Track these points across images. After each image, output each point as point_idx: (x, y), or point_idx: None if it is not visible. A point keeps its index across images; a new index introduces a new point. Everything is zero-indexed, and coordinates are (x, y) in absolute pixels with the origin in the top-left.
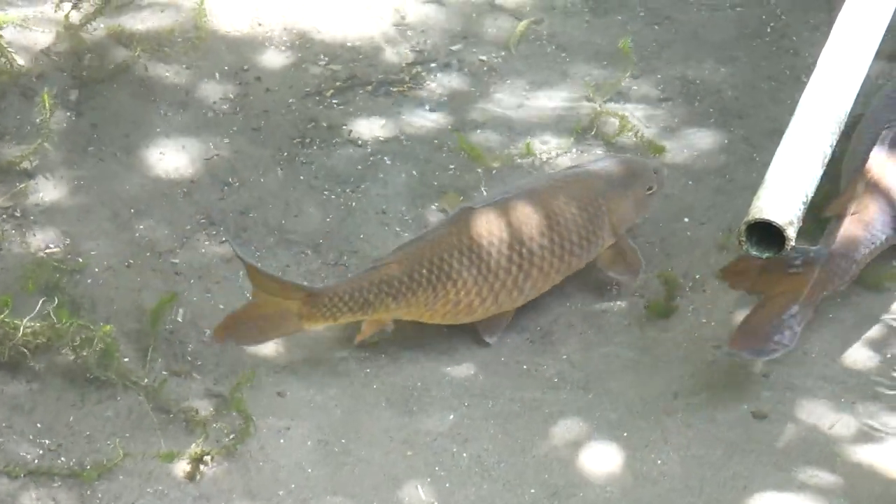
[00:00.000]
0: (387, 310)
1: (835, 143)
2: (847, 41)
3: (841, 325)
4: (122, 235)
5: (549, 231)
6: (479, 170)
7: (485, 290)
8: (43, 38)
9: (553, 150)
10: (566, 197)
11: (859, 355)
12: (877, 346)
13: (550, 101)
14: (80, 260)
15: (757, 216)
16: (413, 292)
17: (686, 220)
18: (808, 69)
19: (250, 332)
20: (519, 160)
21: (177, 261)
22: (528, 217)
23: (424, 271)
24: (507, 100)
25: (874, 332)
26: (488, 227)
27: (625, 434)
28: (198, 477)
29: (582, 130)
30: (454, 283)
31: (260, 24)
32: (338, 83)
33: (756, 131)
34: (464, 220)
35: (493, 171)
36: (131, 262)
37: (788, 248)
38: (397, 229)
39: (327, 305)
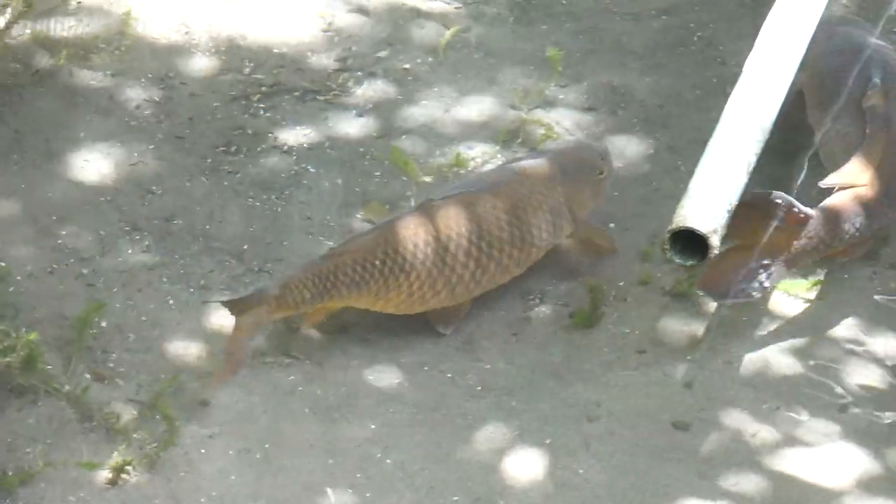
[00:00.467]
0: (340, 298)
1: (759, 152)
2: (772, 50)
3: (764, 331)
4: (44, 242)
5: (507, 224)
6: (413, 184)
7: (439, 283)
8: None
9: (479, 158)
10: (523, 188)
11: (782, 362)
12: (800, 352)
13: (477, 108)
14: (3, 264)
15: (681, 224)
16: (366, 282)
17: (611, 227)
18: (734, 78)
19: (238, 356)
20: (448, 173)
21: (100, 268)
22: (486, 210)
23: (377, 262)
24: (434, 107)
25: (797, 338)
26: (446, 220)
27: (547, 441)
28: (120, 484)
29: (508, 138)
30: (407, 274)
31: (186, 31)
32: (263, 90)
33: (681, 140)
34: (423, 212)
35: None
36: (54, 268)
37: (712, 257)
38: (321, 238)
39: (292, 294)
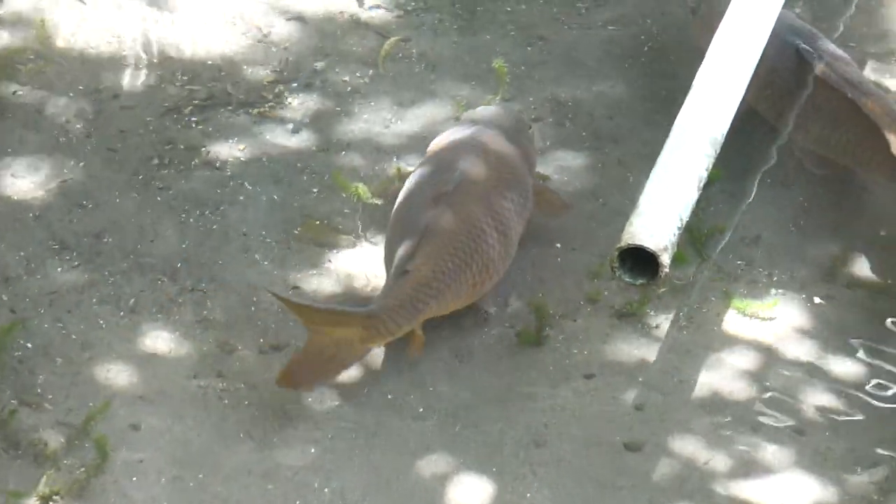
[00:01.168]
0: (429, 312)
1: (710, 167)
2: (723, 63)
3: (718, 352)
4: None
5: (509, 193)
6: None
7: (490, 267)
8: None
9: None
10: (501, 157)
11: (735, 384)
12: (753, 374)
13: (418, 122)
14: None
15: (630, 242)
16: (448, 287)
17: (558, 245)
18: (685, 91)
19: (315, 373)
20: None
21: (26, 288)
22: (490, 185)
23: (450, 264)
24: (374, 120)
25: (752, 360)
26: (470, 206)
27: (493, 468)
28: None
29: None
30: (469, 267)
31: (116, 41)
32: (197, 102)
33: (630, 154)
34: (445, 205)
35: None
36: None
37: (662, 276)
38: (258, 256)
39: (385, 323)
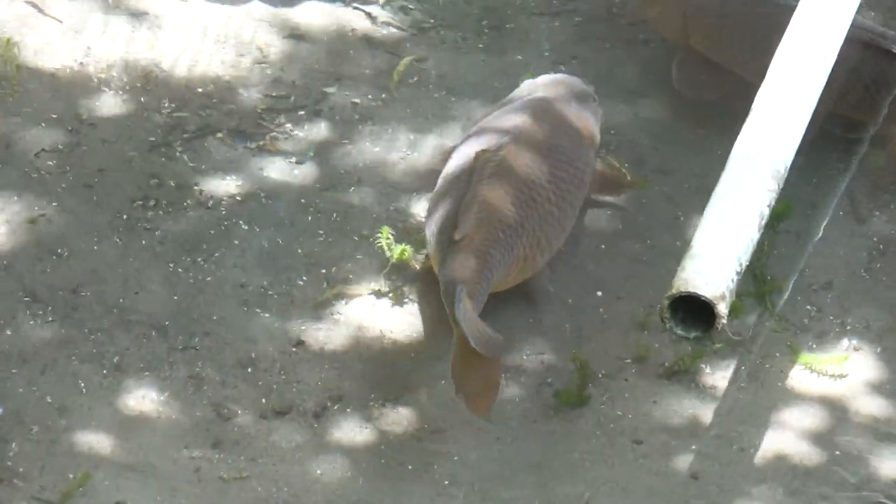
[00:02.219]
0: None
1: (773, 203)
2: (786, 83)
3: (782, 413)
4: None
5: (565, 162)
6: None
7: (543, 240)
8: None
9: None
10: (558, 124)
11: (803, 450)
12: (822, 438)
13: (437, 152)
14: None
15: (682, 289)
16: (496, 259)
17: (600, 293)
18: (742, 115)
19: (484, 388)
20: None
21: None
22: (545, 151)
23: (500, 234)
24: (387, 151)
25: (819, 421)
26: (523, 171)
27: None
28: None
29: None
30: (520, 237)
31: (93, 64)
32: (186, 133)
33: (681, 188)
34: (497, 170)
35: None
36: None
37: (719, 327)
38: (258, 309)
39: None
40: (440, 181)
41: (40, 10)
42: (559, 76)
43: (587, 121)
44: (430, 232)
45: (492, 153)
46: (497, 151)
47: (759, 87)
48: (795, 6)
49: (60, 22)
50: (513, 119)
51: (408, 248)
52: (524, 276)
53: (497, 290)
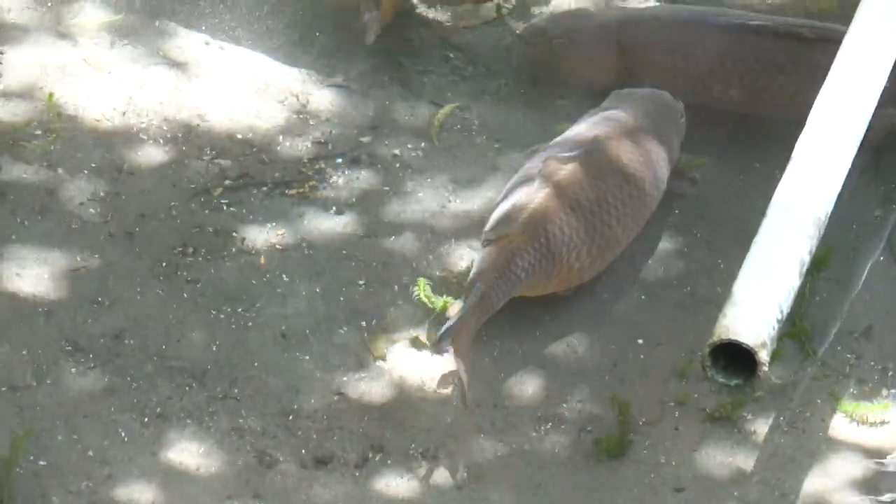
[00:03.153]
0: (519, 287)
1: (814, 250)
2: (826, 130)
3: (824, 460)
4: None
5: (635, 181)
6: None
7: (594, 250)
8: None
9: None
10: (638, 141)
11: (846, 498)
12: (865, 486)
13: (480, 200)
14: None
15: (723, 336)
16: (540, 262)
17: (640, 341)
18: (783, 162)
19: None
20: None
21: (36, 396)
22: (615, 167)
23: (543, 241)
24: (429, 199)
25: (861, 469)
26: (587, 183)
27: None
28: None
29: None
30: (567, 247)
31: (134, 113)
32: (227, 182)
33: (721, 235)
34: (557, 174)
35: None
36: None
37: (760, 375)
38: (298, 354)
39: (492, 300)
40: (512, 180)
41: (84, 60)
42: (648, 90)
43: (667, 138)
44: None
45: (562, 161)
46: (567, 161)
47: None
48: (749, 23)
49: (109, 73)
50: (593, 130)
51: (449, 299)
52: (567, 285)
53: (534, 294)
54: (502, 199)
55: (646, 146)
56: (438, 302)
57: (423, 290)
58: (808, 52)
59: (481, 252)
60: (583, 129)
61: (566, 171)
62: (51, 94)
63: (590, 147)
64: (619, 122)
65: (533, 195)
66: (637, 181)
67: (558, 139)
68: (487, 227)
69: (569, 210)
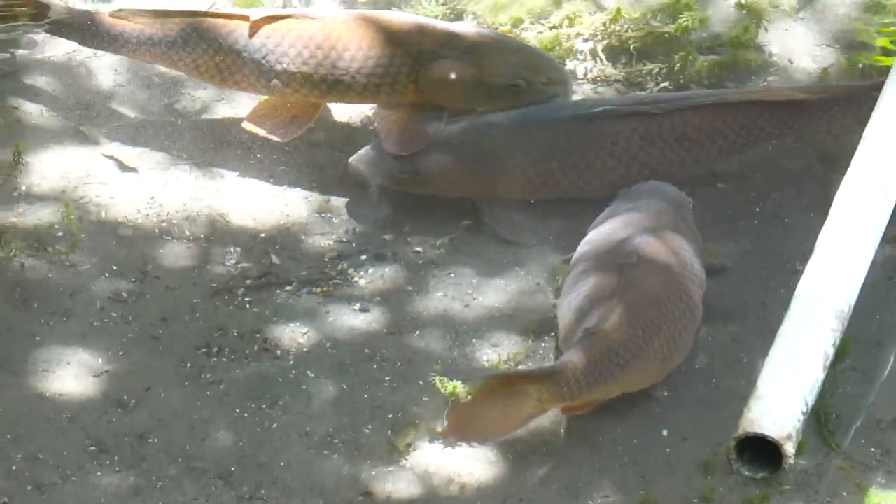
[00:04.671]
0: (613, 382)
1: (837, 342)
2: (848, 222)
3: None
4: None
5: (690, 266)
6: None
7: (678, 341)
8: None
9: (509, 357)
10: (675, 229)
11: None
12: None
13: (503, 296)
14: None
15: (748, 430)
16: (635, 357)
17: (665, 434)
18: (804, 256)
19: (485, 425)
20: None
21: (62, 497)
22: (672, 258)
23: (640, 332)
24: (452, 296)
25: None
26: (658, 277)
27: None
28: None
29: (540, 330)
30: (657, 337)
31: (157, 213)
32: (250, 281)
33: (745, 328)
34: (632, 274)
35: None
36: (6, 501)
37: (786, 468)
38: (324, 452)
39: (569, 383)
40: (569, 282)
41: (115, 160)
42: (655, 183)
43: (692, 223)
44: (565, 314)
45: (631, 254)
46: (635, 252)
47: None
48: (596, 110)
49: (137, 170)
50: (640, 220)
51: (459, 384)
52: (655, 379)
53: (630, 391)
54: (572, 302)
55: (684, 230)
56: (450, 387)
57: (441, 383)
58: (657, 127)
59: (572, 349)
60: (627, 218)
61: (639, 262)
62: (67, 206)
63: (647, 237)
64: (655, 211)
65: (619, 288)
66: (691, 264)
67: (597, 236)
68: (572, 314)
69: (654, 300)
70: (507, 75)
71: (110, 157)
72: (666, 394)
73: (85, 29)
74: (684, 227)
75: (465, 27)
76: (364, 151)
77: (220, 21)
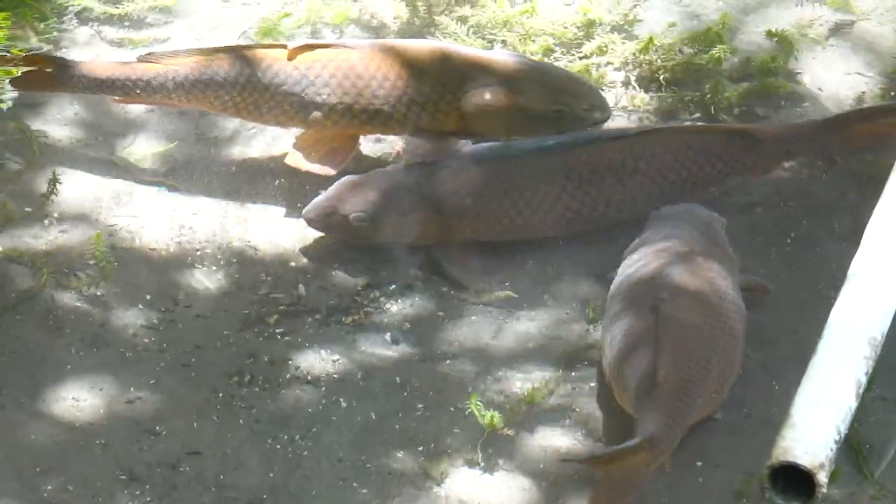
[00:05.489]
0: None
1: (870, 371)
2: (881, 251)
3: None
4: (28, 496)
5: (732, 291)
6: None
7: (727, 370)
8: None
9: (542, 386)
10: (716, 252)
11: None
12: None
13: (534, 323)
14: None
15: (781, 458)
16: (698, 391)
17: (698, 463)
18: (837, 284)
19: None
20: (520, 412)
21: None
22: (710, 286)
23: (693, 371)
24: (483, 323)
25: None
26: (696, 308)
27: None
28: None
29: (570, 359)
30: (710, 371)
31: (188, 242)
32: (282, 309)
33: (777, 357)
34: (670, 311)
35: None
36: None
37: (819, 496)
38: (356, 482)
39: (668, 439)
40: (610, 329)
41: (156, 182)
42: (689, 205)
43: (725, 243)
44: (615, 366)
45: (668, 288)
46: (672, 285)
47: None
48: (550, 144)
49: (176, 188)
50: (678, 248)
51: (497, 415)
52: (711, 409)
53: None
54: (618, 351)
55: (722, 254)
56: (487, 416)
57: (474, 404)
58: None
59: (643, 401)
60: (664, 247)
61: (681, 297)
62: (98, 235)
63: (687, 266)
64: (692, 237)
65: (663, 332)
66: (733, 290)
67: (630, 272)
68: (625, 365)
69: (702, 335)
70: (550, 102)
71: (147, 180)
72: (720, 416)
73: (114, 80)
74: (717, 251)
75: (504, 55)
76: (317, 200)
77: (258, 55)
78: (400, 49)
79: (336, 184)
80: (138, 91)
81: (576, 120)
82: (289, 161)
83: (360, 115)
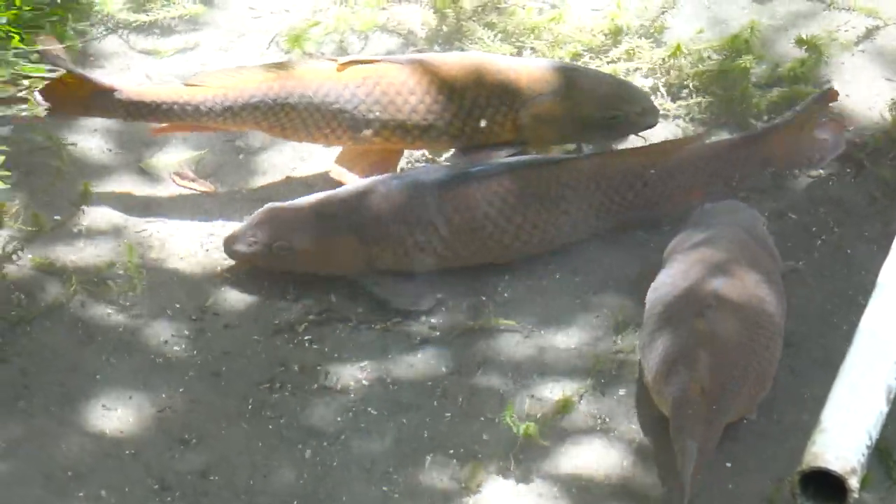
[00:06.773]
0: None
1: None
2: None
3: None
4: None
5: (774, 290)
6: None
7: (766, 373)
8: None
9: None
10: (759, 252)
11: None
12: None
13: (566, 334)
14: None
15: (812, 464)
16: (735, 397)
17: (728, 465)
18: (867, 289)
19: None
20: (552, 422)
21: None
22: (751, 289)
23: (733, 376)
24: (513, 334)
25: None
26: (738, 314)
27: None
28: None
29: (603, 370)
30: (747, 376)
31: (218, 249)
32: (311, 318)
33: (807, 362)
34: (714, 318)
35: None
36: None
37: (851, 502)
38: (385, 489)
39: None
40: (651, 331)
41: (190, 186)
42: (731, 202)
43: (767, 240)
44: (654, 370)
45: (710, 293)
46: (715, 290)
47: None
48: (475, 170)
49: (214, 188)
50: (721, 251)
51: (532, 425)
52: (746, 412)
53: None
54: (659, 355)
55: (764, 253)
56: (521, 426)
57: (510, 414)
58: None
59: (678, 407)
60: (705, 247)
61: (720, 301)
62: (130, 246)
63: (730, 268)
64: (736, 236)
65: (701, 336)
66: (775, 289)
67: (671, 275)
68: (663, 372)
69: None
70: (605, 107)
71: (177, 188)
72: (755, 416)
73: (158, 106)
74: (759, 250)
75: (553, 63)
76: (238, 230)
77: (307, 73)
78: (451, 63)
79: (258, 212)
80: (186, 117)
81: (629, 125)
82: (333, 175)
83: (412, 130)
